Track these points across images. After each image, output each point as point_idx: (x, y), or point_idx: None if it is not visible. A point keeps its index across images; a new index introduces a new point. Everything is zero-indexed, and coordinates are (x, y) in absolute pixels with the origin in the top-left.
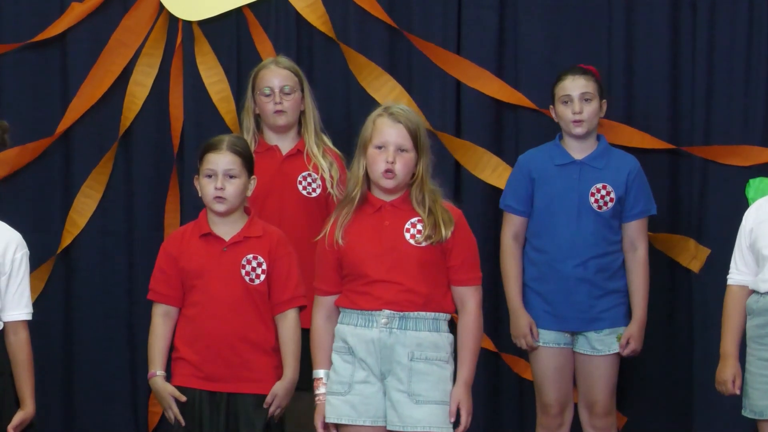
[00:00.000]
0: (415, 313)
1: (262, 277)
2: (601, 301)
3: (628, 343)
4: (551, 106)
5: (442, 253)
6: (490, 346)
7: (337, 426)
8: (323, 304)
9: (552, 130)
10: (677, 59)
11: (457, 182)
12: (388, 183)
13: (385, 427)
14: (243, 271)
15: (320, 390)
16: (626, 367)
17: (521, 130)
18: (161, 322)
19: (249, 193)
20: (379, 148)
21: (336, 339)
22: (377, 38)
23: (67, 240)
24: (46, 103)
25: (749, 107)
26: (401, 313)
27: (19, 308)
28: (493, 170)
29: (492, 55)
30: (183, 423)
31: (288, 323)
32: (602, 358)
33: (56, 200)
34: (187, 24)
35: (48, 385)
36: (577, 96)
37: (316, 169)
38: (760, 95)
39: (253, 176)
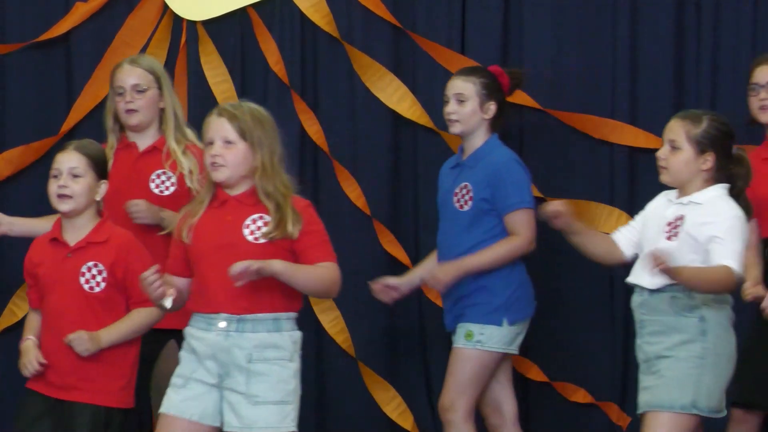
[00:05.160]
0: (252, 315)
1: (103, 284)
2: (467, 298)
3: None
4: None
5: (288, 251)
6: None
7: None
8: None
9: (555, 131)
10: (682, 59)
11: None
12: (215, 176)
13: (219, 427)
14: (82, 279)
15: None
16: (629, 366)
17: (525, 130)
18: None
19: (98, 197)
20: (210, 144)
21: (187, 338)
22: (382, 38)
23: None
24: (51, 103)
25: None
26: (238, 316)
27: None
28: None
29: (496, 55)
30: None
31: (143, 312)
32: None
33: None
34: (192, 24)
35: None
36: (451, 95)
37: (173, 167)
38: None
39: (104, 180)
